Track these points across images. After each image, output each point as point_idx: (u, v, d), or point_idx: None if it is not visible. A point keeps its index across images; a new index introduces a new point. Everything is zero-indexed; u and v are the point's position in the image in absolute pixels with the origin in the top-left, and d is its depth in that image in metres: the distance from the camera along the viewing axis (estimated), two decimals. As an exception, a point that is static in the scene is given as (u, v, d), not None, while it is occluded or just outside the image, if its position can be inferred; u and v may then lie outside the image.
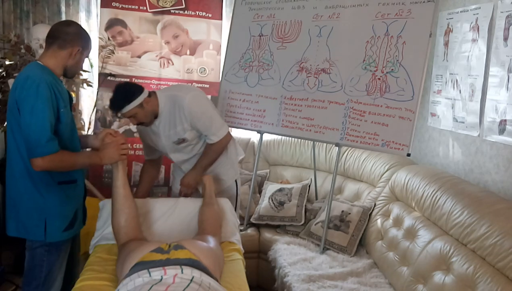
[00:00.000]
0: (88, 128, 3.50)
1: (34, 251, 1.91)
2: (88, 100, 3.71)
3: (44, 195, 1.87)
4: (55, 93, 1.80)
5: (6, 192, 1.95)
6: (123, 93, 2.23)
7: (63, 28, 1.89)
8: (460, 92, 2.67)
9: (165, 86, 3.22)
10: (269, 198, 3.16)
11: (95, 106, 3.34)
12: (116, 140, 1.97)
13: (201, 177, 2.42)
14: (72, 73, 1.99)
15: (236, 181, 2.68)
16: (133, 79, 3.29)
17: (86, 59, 2.07)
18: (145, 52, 3.31)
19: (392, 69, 2.57)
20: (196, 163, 2.46)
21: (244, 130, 3.27)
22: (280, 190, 3.20)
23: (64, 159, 1.81)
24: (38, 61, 1.88)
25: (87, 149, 2.17)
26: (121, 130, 3.27)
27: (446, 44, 2.84)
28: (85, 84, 3.44)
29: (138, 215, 2.07)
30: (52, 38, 1.88)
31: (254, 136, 3.73)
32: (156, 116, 2.33)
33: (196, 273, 1.58)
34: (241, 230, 2.87)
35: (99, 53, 3.24)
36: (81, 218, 2.09)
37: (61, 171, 1.86)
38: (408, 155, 2.49)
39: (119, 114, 2.24)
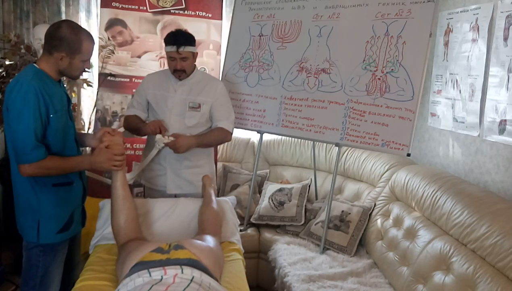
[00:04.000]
0: (88, 128, 3.50)
1: (29, 251, 1.91)
2: (88, 100, 3.72)
3: (38, 195, 1.86)
4: (44, 99, 1.76)
5: (12, 190, 1.95)
6: (190, 35, 2.41)
7: (51, 31, 1.82)
8: (460, 92, 2.67)
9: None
10: (269, 198, 3.16)
11: (95, 106, 3.35)
12: (112, 151, 1.90)
13: (192, 147, 2.36)
14: (70, 76, 1.94)
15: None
16: (133, 79, 3.30)
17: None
18: (145, 52, 3.31)
19: (392, 69, 2.57)
20: (198, 135, 2.44)
21: (244, 130, 3.27)
22: (280, 190, 3.20)
23: (51, 165, 1.80)
24: (35, 64, 1.85)
25: (87, 148, 2.16)
26: (120, 130, 3.25)
27: (446, 44, 2.84)
28: (85, 84, 3.44)
29: (138, 215, 2.07)
30: (44, 41, 1.85)
31: (254, 136, 3.73)
32: (188, 75, 2.47)
33: (196, 273, 1.58)
34: (241, 230, 2.87)
35: (99, 53, 3.24)
36: (79, 220, 2.06)
37: (50, 175, 1.84)
38: (408, 155, 2.49)
39: (179, 49, 2.33)
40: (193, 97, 2.46)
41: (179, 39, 2.35)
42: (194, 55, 2.44)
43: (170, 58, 2.39)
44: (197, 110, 2.45)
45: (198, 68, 2.59)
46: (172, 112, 2.45)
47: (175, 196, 2.50)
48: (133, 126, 2.50)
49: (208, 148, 2.59)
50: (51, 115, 1.81)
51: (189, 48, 2.37)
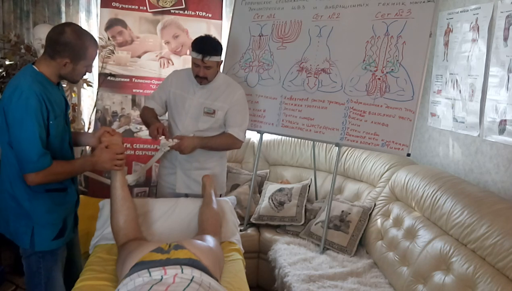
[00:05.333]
0: (88, 128, 3.50)
1: (28, 259, 1.87)
2: (88, 100, 3.72)
3: (32, 201, 1.81)
4: (46, 105, 1.72)
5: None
6: (217, 45, 2.38)
7: (54, 36, 1.75)
8: (460, 92, 2.67)
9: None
10: (269, 198, 3.16)
11: (95, 106, 3.35)
12: (113, 151, 1.89)
13: (197, 147, 2.36)
14: (71, 80, 1.90)
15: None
16: (133, 79, 3.30)
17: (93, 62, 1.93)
18: (145, 52, 3.31)
19: (392, 69, 2.57)
20: (204, 137, 2.43)
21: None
22: (280, 190, 3.20)
23: (58, 171, 1.76)
24: (34, 66, 1.78)
25: (86, 147, 2.13)
26: (120, 130, 3.26)
27: (446, 44, 2.84)
28: (85, 84, 3.44)
29: (137, 215, 2.06)
30: (45, 44, 1.78)
31: (254, 136, 3.73)
32: (210, 81, 2.44)
33: (196, 273, 1.58)
34: (241, 230, 2.87)
35: (99, 53, 3.24)
36: (71, 226, 2.01)
37: (58, 180, 1.82)
38: (408, 155, 2.49)
39: (205, 59, 2.30)
40: (210, 103, 2.45)
41: (206, 49, 2.30)
42: (219, 64, 2.42)
43: (195, 64, 2.36)
44: (211, 116, 2.44)
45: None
46: (188, 115, 2.46)
47: (186, 195, 2.51)
48: (145, 119, 2.52)
49: (220, 151, 2.58)
50: (51, 122, 1.76)
51: (214, 58, 2.33)
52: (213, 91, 2.46)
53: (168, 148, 2.32)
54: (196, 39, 2.37)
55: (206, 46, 2.32)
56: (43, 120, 1.72)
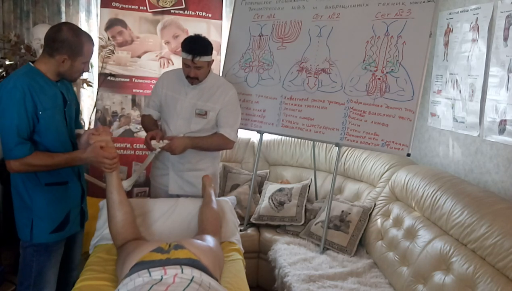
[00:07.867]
0: (88, 129, 3.50)
1: (24, 251, 1.91)
2: (88, 100, 3.72)
3: (31, 194, 1.86)
4: (32, 96, 1.75)
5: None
6: (207, 45, 2.34)
7: (52, 34, 1.82)
8: (460, 92, 2.67)
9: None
10: (269, 198, 3.16)
11: (95, 106, 3.35)
12: (102, 153, 1.83)
13: (187, 147, 2.35)
14: (69, 78, 1.94)
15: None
16: (133, 79, 3.30)
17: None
18: (145, 52, 3.31)
19: (392, 69, 2.57)
20: (195, 137, 2.42)
21: (244, 130, 3.27)
22: (280, 190, 3.19)
23: (35, 162, 1.78)
24: (31, 63, 1.85)
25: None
26: (120, 130, 3.27)
27: (446, 44, 2.84)
28: (85, 84, 3.44)
29: (135, 217, 2.05)
30: (44, 43, 1.85)
31: (254, 136, 3.73)
32: (201, 81, 2.43)
33: (196, 273, 1.58)
34: (241, 230, 2.87)
35: (99, 53, 3.24)
36: (76, 220, 2.03)
37: (38, 171, 1.83)
38: (408, 155, 2.49)
39: (195, 59, 2.29)
40: (202, 104, 2.44)
41: (196, 49, 2.28)
42: (210, 63, 2.40)
43: (185, 64, 2.35)
44: (203, 117, 2.44)
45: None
46: (180, 116, 2.45)
47: (177, 196, 2.51)
48: (145, 127, 2.58)
49: (213, 151, 2.58)
50: (40, 113, 1.79)
51: (204, 58, 2.31)
52: (204, 92, 2.45)
53: (159, 149, 2.32)
54: (186, 39, 2.35)
55: (196, 46, 2.30)
56: (27, 111, 1.76)
